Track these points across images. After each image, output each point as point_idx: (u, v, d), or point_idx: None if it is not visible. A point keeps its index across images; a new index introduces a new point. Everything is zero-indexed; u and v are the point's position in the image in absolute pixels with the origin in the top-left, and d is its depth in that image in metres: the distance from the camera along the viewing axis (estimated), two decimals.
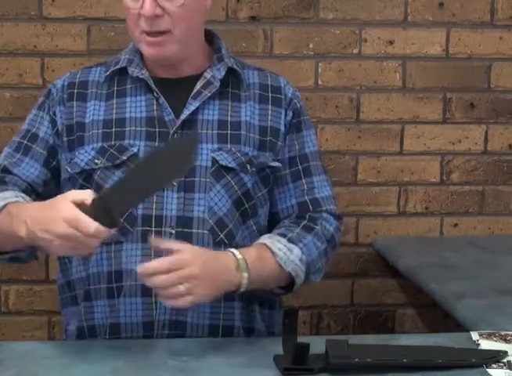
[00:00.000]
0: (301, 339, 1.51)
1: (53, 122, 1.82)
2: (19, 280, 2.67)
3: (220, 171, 1.74)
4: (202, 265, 1.56)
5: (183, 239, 1.70)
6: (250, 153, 1.78)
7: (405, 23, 2.72)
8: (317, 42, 2.69)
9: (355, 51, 2.71)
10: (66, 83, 1.84)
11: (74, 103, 1.81)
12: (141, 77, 1.79)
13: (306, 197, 1.83)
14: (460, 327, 1.97)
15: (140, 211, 1.72)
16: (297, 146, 1.84)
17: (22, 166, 1.80)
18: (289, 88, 1.88)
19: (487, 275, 2.32)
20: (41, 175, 1.81)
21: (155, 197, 1.72)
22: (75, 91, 1.82)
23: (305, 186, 1.84)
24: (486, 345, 1.63)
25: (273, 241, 1.73)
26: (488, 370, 1.52)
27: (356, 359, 1.50)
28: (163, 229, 1.71)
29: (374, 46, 2.72)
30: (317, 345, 1.51)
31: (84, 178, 1.76)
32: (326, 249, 1.80)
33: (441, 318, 2.66)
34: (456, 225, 2.82)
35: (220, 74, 1.80)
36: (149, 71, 1.80)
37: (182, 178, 1.73)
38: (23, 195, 1.72)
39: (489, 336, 1.68)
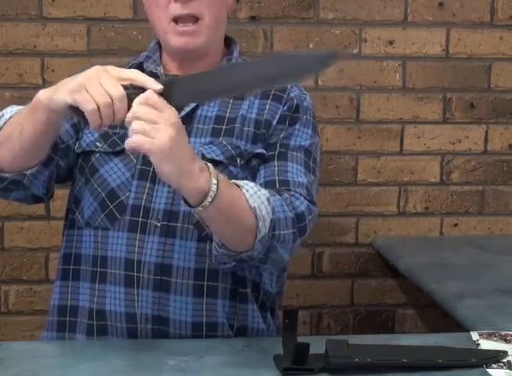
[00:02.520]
0: (301, 339, 1.51)
1: None
2: (19, 280, 2.67)
3: None
4: (177, 127, 1.45)
5: (167, 232, 1.70)
6: (242, 147, 1.75)
7: (405, 23, 2.72)
8: (317, 42, 2.69)
9: (355, 51, 2.71)
10: None
11: None
12: (154, 71, 1.78)
13: (276, 177, 1.71)
14: (460, 327, 1.97)
15: (131, 201, 1.72)
16: (281, 135, 1.77)
17: None
18: (295, 90, 1.83)
19: (487, 275, 2.32)
20: (68, 133, 1.77)
21: (146, 189, 1.72)
22: None
23: (276, 168, 1.73)
24: (486, 345, 1.63)
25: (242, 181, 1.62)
26: (488, 370, 1.52)
27: (356, 359, 1.50)
28: (149, 221, 1.71)
29: (374, 46, 2.72)
30: (317, 345, 1.51)
31: (84, 159, 1.77)
32: (294, 220, 1.64)
33: (441, 318, 2.66)
34: (455, 225, 2.82)
35: None
36: (167, 69, 1.80)
37: None
38: None
39: (489, 336, 1.68)
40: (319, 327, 2.81)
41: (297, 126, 1.79)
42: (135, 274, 1.70)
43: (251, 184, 1.61)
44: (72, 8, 2.59)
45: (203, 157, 1.70)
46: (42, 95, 1.52)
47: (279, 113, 1.79)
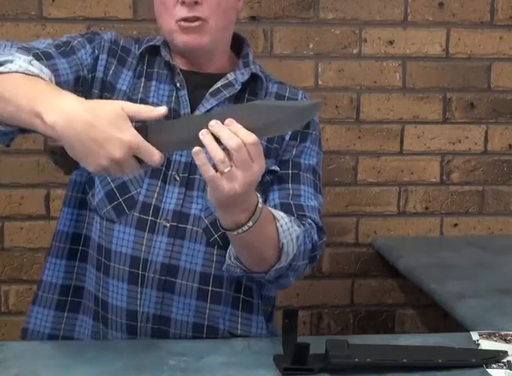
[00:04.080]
0: (301, 339, 1.51)
1: (95, 63, 1.75)
2: (19, 280, 2.67)
3: None
4: (254, 183, 1.45)
5: (176, 234, 1.70)
6: None
7: (405, 23, 2.72)
8: (317, 42, 2.69)
9: (355, 51, 2.71)
10: (113, 39, 1.80)
11: (115, 61, 1.78)
12: (172, 63, 1.77)
13: (290, 201, 1.75)
14: (460, 327, 1.97)
15: (141, 198, 1.71)
16: (293, 152, 1.80)
17: (61, 61, 1.67)
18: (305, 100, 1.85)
19: (487, 275, 2.32)
20: (70, 84, 1.68)
21: (157, 188, 1.71)
22: (118, 52, 1.79)
23: (291, 191, 1.76)
24: (486, 345, 1.63)
25: (277, 211, 1.66)
26: (488, 370, 1.52)
27: (356, 359, 1.50)
28: (158, 220, 1.71)
29: (374, 46, 2.72)
30: (317, 345, 1.51)
31: None
32: (309, 251, 1.70)
33: (441, 318, 2.67)
34: (455, 225, 2.83)
35: (243, 77, 1.78)
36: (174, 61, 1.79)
37: (186, 174, 1.72)
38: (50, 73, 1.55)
39: (489, 336, 1.68)
40: (319, 327, 2.81)
41: (307, 143, 1.81)
42: (140, 272, 1.70)
43: (286, 219, 1.64)
44: (72, 8, 2.59)
45: None
46: (49, 117, 1.37)
47: None
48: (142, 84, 1.78)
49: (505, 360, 1.55)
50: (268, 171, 1.76)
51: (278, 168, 1.78)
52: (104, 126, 1.35)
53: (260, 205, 1.51)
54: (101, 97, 1.74)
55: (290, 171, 1.79)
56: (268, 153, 1.76)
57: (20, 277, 2.67)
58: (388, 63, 2.73)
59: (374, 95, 2.74)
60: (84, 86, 1.72)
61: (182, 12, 1.70)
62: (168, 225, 1.71)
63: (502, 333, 1.69)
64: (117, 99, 1.74)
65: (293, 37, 2.68)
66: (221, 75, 1.78)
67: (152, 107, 1.41)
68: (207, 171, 1.39)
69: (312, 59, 2.70)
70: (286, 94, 1.85)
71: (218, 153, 1.38)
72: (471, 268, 2.40)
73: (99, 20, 2.60)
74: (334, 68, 2.71)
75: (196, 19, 1.71)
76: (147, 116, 1.39)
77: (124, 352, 1.59)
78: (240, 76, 1.79)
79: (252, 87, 1.81)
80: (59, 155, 1.41)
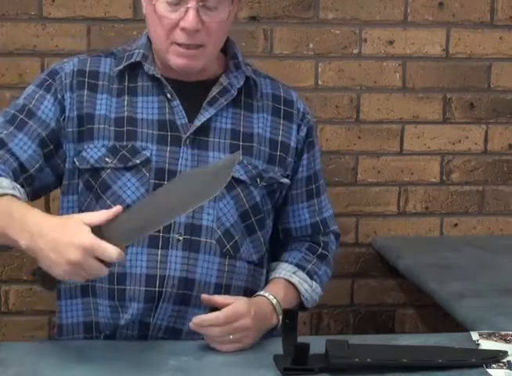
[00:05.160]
0: (301, 339, 1.51)
1: (61, 107, 1.74)
2: (19, 280, 2.67)
3: (231, 182, 1.66)
4: (253, 317, 1.63)
5: (191, 247, 1.70)
6: (260, 167, 1.77)
7: (405, 23, 2.72)
8: (317, 42, 2.69)
9: (355, 51, 2.71)
10: (75, 69, 1.77)
11: (85, 91, 1.75)
12: (157, 76, 1.74)
13: (317, 218, 1.89)
14: (460, 327, 1.97)
15: None
16: (312, 165, 1.87)
17: (15, 141, 1.71)
18: (300, 103, 1.87)
19: (487, 275, 2.32)
20: (35, 156, 1.71)
21: None
22: (86, 80, 1.76)
23: (316, 207, 1.88)
24: (486, 345, 1.63)
25: (301, 281, 1.80)
26: (488, 370, 1.52)
27: (356, 359, 1.50)
28: (171, 235, 1.69)
29: (374, 46, 2.72)
30: (317, 345, 1.51)
31: (92, 175, 1.73)
32: (329, 270, 1.91)
33: (441, 318, 2.66)
34: (455, 225, 2.82)
35: (238, 82, 1.77)
36: (160, 71, 1.76)
37: None
38: (18, 187, 1.66)
39: (489, 336, 1.68)
40: (319, 327, 2.81)
41: (315, 149, 1.90)
42: (157, 289, 1.69)
43: (306, 285, 1.81)
44: (72, 8, 2.59)
45: None
46: (22, 239, 1.51)
47: (294, 133, 1.83)
48: (126, 102, 1.76)
49: (505, 360, 1.55)
50: (276, 182, 1.80)
51: (287, 181, 1.82)
52: (63, 237, 1.45)
53: (274, 301, 1.72)
54: (82, 132, 1.74)
55: (314, 186, 1.88)
56: (271, 160, 1.79)
57: (20, 277, 2.67)
58: (388, 63, 2.73)
59: (374, 95, 2.74)
60: (53, 143, 1.74)
61: (180, 37, 1.67)
62: (182, 238, 1.70)
63: (503, 333, 1.69)
64: (98, 126, 1.74)
65: (293, 37, 2.68)
66: (214, 80, 1.77)
67: (108, 210, 1.48)
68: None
69: (312, 59, 2.70)
70: (281, 94, 1.85)
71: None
72: (471, 268, 2.40)
73: (99, 20, 2.60)
74: (334, 68, 2.71)
75: (195, 46, 1.69)
76: (104, 218, 1.46)
77: (124, 352, 1.59)
78: (234, 80, 1.78)
79: (247, 89, 1.80)
80: (39, 273, 1.53)
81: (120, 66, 1.77)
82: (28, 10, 2.57)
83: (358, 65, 2.72)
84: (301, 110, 1.85)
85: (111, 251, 1.43)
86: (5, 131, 1.72)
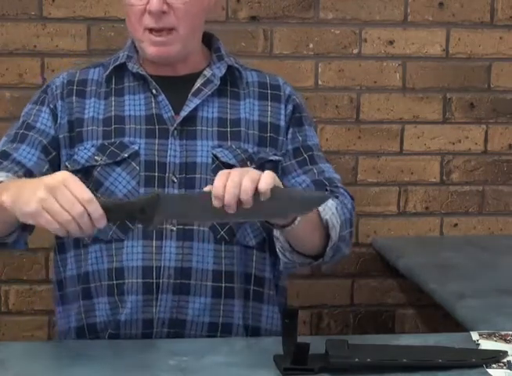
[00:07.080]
0: (301, 339, 1.51)
1: (54, 116, 1.80)
2: (19, 280, 2.67)
3: (221, 168, 1.69)
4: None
5: (184, 236, 1.71)
6: (250, 150, 1.78)
7: (405, 23, 2.72)
8: (317, 42, 2.69)
9: (355, 51, 2.71)
10: (65, 80, 1.83)
11: (74, 98, 1.80)
12: (142, 73, 1.78)
13: (321, 177, 1.80)
14: (460, 327, 1.97)
15: None
16: (300, 138, 1.84)
17: (19, 152, 1.75)
18: (287, 86, 1.88)
19: (487, 275, 2.32)
20: (40, 162, 1.75)
21: None
22: (74, 88, 1.82)
23: (315, 170, 1.81)
24: (486, 345, 1.63)
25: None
26: (488, 370, 1.52)
27: (356, 359, 1.50)
28: (164, 225, 1.71)
29: (374, 46, 2.72)
30: (317, 345, 1.51)
31: (84, 175, 1.74)
32: (348, 220, 1.76)
33: (441, 318, 2.66)
34: (455, 225, 2.82)
35: (220, 71, 1.81)
36: (146, 70, 1.80)
37: (183, 175, 1.73)
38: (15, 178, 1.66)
39: (489, 336, 1.68)
40: (319, 327, 2.81)
41: (306, 127, 1.86)
42: (154, 281, 1.70)
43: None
44: (72, 8, 2.59)
45: (218, 160, 1.74)
46: (7, 201, 1.47)
47: (283, 112, 1.83)
48: (114, 103, 1.79)
49: (505, 360, 1.55)
50: (267, 161, 1.79)
51: (278, 158, 1.80)
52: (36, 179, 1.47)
53: None
54: (72, 137, 1.77)
55: (306, 155, 1.83)
56: (262, 142, 1.80)
57: (20, 277, 2.67)
58: (388, 63, 2.73)
59: (374, 95, 2.74)
60: (55, 149, 1.78)
61: (149, 21, 1.72)
62: (175, 228, 1.71)
63: (503, 333, 1.69)
64: (87, 128, 1.77)
65: (293, 37, 2.68)
66: (198, 74, 1.80)
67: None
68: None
69: (312, 59, 2.70)
70: (267, 81, 1.87)
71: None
72: (471, 268, 2.40)
73: (99, 20, 2.60)
74: (334, 68, 2.71)
75: (164, 29, 1.71)
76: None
77: (124, 352, 1.59)
78: (217, 70, 1.81)
79: (232, 79, 1.83)
80: None
81: (107, 72, 1.82)
82: (28, 10, 2.58)
83: (358, 65, 2.72)
84: (287, 92, 1.86)
85: (86, 191, 1.40)
86: (8, 146, 1.77)
